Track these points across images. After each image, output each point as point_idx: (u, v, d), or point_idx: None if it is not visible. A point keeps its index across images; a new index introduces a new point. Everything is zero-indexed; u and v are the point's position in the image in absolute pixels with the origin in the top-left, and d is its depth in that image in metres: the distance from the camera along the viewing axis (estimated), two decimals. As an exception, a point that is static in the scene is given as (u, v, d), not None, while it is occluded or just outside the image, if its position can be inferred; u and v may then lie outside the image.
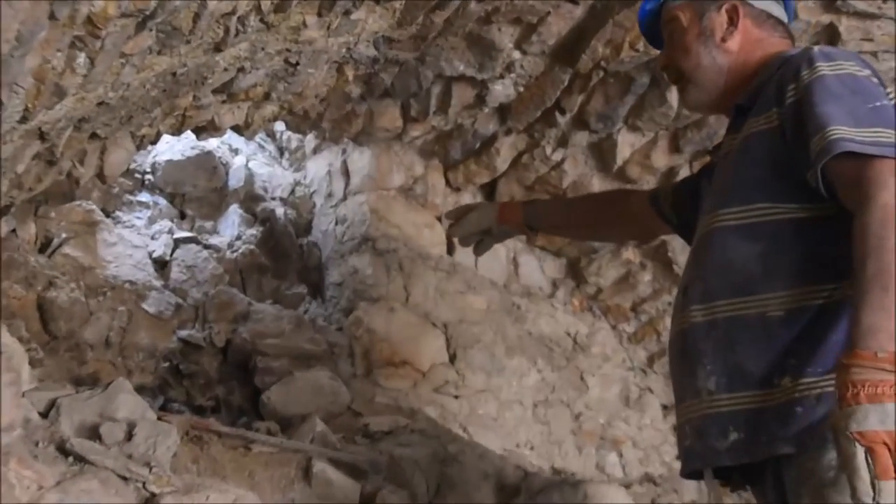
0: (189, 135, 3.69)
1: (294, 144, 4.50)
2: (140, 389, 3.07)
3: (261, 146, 4.54)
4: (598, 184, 3.91)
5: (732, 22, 2.09)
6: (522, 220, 2.90)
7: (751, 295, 1.79)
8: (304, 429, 3.20)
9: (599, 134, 3.72)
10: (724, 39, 2.08)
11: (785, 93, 1.84)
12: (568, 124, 3.70)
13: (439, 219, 4.11)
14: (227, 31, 2.71)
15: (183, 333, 3.57)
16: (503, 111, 3.75)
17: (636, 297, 4.34)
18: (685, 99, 2.21)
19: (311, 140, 4.35)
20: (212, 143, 4.23)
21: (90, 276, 3.51)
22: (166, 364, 3.50)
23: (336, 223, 4.10)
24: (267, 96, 3.45)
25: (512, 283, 4.22)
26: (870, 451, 1.47)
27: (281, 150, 4.59)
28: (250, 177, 4.28)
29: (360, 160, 4.07)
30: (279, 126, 4.35)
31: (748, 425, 1.78)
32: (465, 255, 4.04)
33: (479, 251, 3.09)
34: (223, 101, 3.38)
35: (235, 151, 4.40)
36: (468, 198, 4.15)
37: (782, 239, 1.81)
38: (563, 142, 3.79)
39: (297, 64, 3.21)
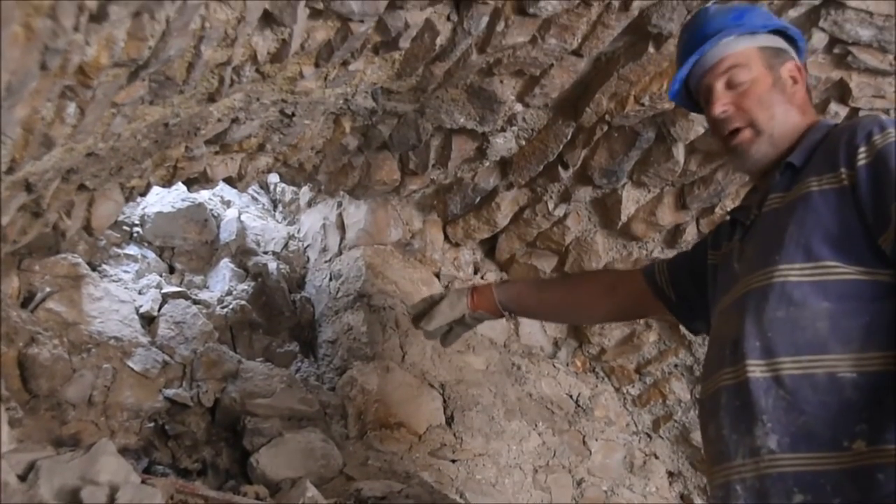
0: (180, 186, 3.64)
1: (288, 197, 4.47)
2: (124, 451, 3.03)
3: (254, 198, 4.50)
4: (601, 241, 3.86)
5: (796, 81, 2.11)
6: (496, 304, 2.86)
7: (820, 354, 1.78)
8: (294, 493, 3.09)
9: (603, 189, 3.67)
10: (791, 97, 2.10)
11: (856, 154, 1.85)
12: (571, 179, 3.65)
13: (437, 275, 4.07)
14: (221, 81, 2.69)
15: (170, 392, 3.47)
16: (504, 165, 3.71)
17: (641, 358, 4.26)
18: (748, 151, 2.11)
19: (305, 193, 4.32)
20: (203, 195, 4.17)
21: (74, 332, 3.41)
22: (151, 424, 3.40)
23: (330, 279, 4.06)
24: (261, 147, 3.43)
25: (512, 342, 4.16)
26: None
27: (275, 203, 4.56)
28: (242, 230, 4.21)
29: (357, 214, 4.04)
30: (273, 178, 4.33)
31: (815, 487, 1.76)
32: None
33: (447, 342, 3.01)
34: (216, 153, 3.36)
35: (227, 204, 4.35)
36: (467, 253, 4.12)
37: (851, 299, 1.80)
38: (565, 197, 3.75)
39: (293, 115, 3.19)
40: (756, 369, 1.86)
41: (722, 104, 2.09)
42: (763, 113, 2.06)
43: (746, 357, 1.88)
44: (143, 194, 3.59)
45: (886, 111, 3.19)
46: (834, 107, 3.20)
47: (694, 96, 2.25)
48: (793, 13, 2.87)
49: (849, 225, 1.83)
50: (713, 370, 2.02)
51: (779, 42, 2.15)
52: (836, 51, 3.03)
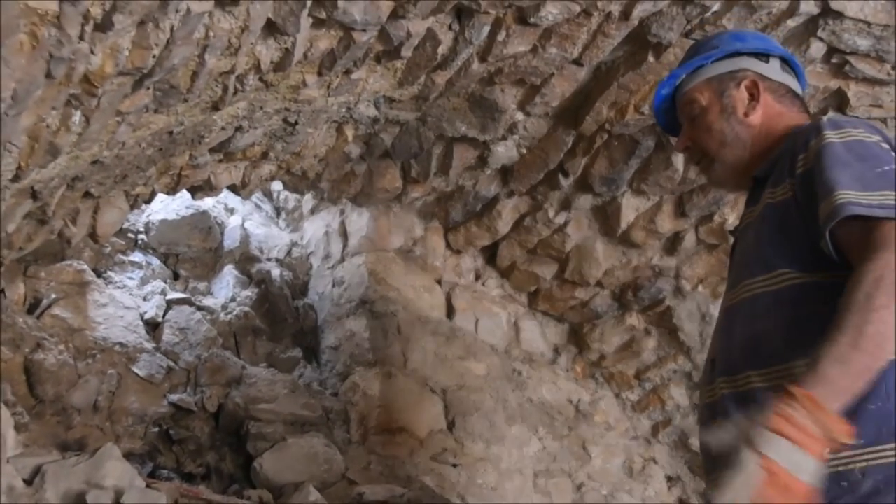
0: (184, 194, 3.65)
1: (291, 205, 4.49)
2: (128, 456, 3.03)
3: (257, 206, 4.52)
4: (601, 248, 3.88)
5: (754, 97, 2.13)
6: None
7: (783, 363, 1.77)
8: (298, 497, 3.17)
9: (603, 197, 3.69)
10: (746, 114, 2.12)
11: (796, 163, 1.87)
12: (571, 187, 3.66)
13: (439, 282, 4.08)
14: (225, 89, 2.71)
15: (174, 398, 3.50)
16: (505, 173, 3.72)
17: (640, 364, 4.28)
18: (710, 177, 2.22)
19: (308, 200, 4.34)
20: (207, 203, 4.19)
21: (79, 338, 3.44)
22: (156, 429, 3.43)
23: (333, 285, 4.08)
24: (265, 155, 3.44)
25: (513, 348, 4.18)
26: (763, 475, 1.54)
27: (278, 211, 4.58)
28: (246, 237, 4.25)
29: (359, 221, 4.05)
30: (276, 186, 4.35)
31: None
32: (465, 319, 4.03)
33: None
34: (220, 161, 3.38)
35: (231, 211, 4.38)
36: (468, 260, 4.12)
37: (807, 304, 1.80)
38: (566, 205, 3.76)
39: (296, 123, 3.21)
40: (725, 386, 1.89)
41: (681, 143, 2.20)
42: (712, 142, 2.12)
43: (718, 375, 1.92)
44: (148, 202, 3.62)
45: (884, 120, 3.20)
46: (832, 116, 3.21)
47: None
48: (791, 23, 2.89)
49: (797, 232, 1.85)
50: (702, 384, 2.07)
51: (737, 63, 2.18)
52: (834, 60, 3.04)
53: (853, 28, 2.92)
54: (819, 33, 2.92)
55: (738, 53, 2.19)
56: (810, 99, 3.06)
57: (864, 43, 2.97)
